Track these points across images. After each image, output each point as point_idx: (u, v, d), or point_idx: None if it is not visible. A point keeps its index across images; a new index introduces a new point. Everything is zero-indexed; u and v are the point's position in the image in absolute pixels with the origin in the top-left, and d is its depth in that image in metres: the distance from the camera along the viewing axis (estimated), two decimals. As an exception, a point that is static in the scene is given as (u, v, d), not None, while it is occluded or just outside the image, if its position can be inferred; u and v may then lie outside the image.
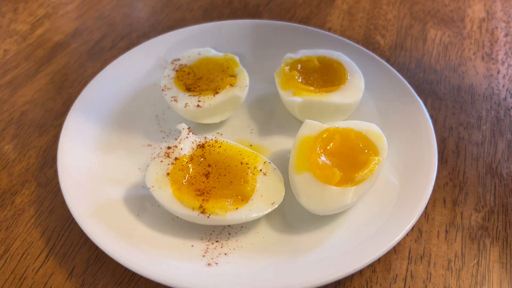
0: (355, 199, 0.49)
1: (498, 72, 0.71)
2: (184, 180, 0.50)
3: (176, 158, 0.52)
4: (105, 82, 0.63)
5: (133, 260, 0.45)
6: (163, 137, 0.61)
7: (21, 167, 0.59)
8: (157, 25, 0.79)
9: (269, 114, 0.64)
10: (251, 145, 0.59)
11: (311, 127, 0.53)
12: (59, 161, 0.53)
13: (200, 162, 0.52)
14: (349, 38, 0.75)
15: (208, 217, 0.48)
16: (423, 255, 0.51)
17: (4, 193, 0.56)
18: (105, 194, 0.52)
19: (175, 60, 0.64)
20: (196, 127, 0.61)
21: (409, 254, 0.51)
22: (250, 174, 0.51)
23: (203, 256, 0.48)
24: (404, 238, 0.52)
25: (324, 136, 0.52)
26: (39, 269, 0.50)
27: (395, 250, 0.51)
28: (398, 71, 0.69)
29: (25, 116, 0.65)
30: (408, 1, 0.84)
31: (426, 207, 0.54)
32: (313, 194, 0.49)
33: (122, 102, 0.63)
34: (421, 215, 0.52)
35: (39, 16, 0.81)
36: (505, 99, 0.67)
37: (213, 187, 0.50)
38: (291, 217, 0.52)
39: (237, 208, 0.49)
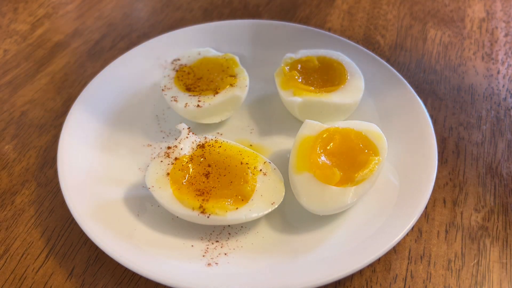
0: (355, 199, 0.49)
1: (498, 72, 0.71)
2: (184, 180, 0.50)
3: (176, 158, 0.52)
4: (105, 82, 0.63)
5: (133, 260, 0.45)
6: (163, 137, 0.61)
7: (21, 167, 0.59)
8: (157, 25, 0.79)
9: (269, 114, 0.64)
10: (251, 145, 0.59)
11: (311, 127, 0.53)
12: (59, 161, 0.53)
13: (200, 162, 0.52)
14: (349, 38, 0.75)
15: (208, 217, 0.48)
16: (423, 255, 0.51)
17: (4, 193, 0.56)
18: (105, 194, 0.52)
19: (175, 60, 0.63)
20: (196, 127, 0.61)
21: (409, 254, 0.51)
22: (250, 174, 0.51)
23: (203, 256, 0.48)
24: (404, 238, 0.52)
25: (324, 136, 0.52)
26: (39, 269, 0.50)
27: (395, 250, 0.51)
28: (398, 71, 0.69)
29: (25, 116, 0.65)
30: (408, 1, 0.84)
31: (426, 207, 0.54)
32: (313, 194, 0.49)
33: (122, 102, 0.63)
34: (421, 215, 0.52)
35: (39, 16, 0.81)
36: (505, 99, 0.67)
37: (213, 187, 0.50)
38: (291, 217, 0.52)
39: (237, 208, 0.49)
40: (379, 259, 0.50)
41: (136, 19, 0.81)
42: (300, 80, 0.60)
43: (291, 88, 0.59)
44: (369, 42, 0.76)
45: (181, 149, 0.53)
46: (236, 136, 0.60)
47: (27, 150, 0.61)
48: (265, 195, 0.50)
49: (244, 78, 0.61)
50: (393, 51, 0.74)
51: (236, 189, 0.50)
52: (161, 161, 0.52)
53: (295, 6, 0.83)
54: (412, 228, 0.51)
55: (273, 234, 0.51)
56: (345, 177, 0.49)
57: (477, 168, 0.59)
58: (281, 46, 0.68)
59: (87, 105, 0.60)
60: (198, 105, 0.58)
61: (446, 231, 0.53)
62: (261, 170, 0.52)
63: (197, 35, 0.70)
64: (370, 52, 0.66)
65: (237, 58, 0.63)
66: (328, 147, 0.52)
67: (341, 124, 0.54)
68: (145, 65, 0.67)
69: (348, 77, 0.60)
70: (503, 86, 0.69)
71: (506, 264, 0.50)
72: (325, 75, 0.61)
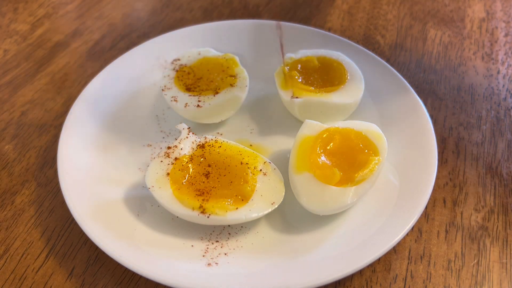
0: (355, 199, 0.49)
1: (498, 72, 0.71)
2: (184, 180, 0.50)
3: (176, 158, 0.52)
4: (105, 82, 0.63)
5: (133, 260, 0.45)
6: (163, 137, 0.61)
7: (21, 167, 0.59)
8: (157, 25, 0.79)
9: (269, 114, 0.64)
10: (251, 145, 0.59)
11: (311, 127, 0.53)
12: (59, 161, 0.53)
13: (200, 162, 0.52)
14: (349, 38, 0.75)
15: (208, 217, 0.48)
16: (423, 255, 0.51)
17: (4, 193, 0.56)
18: (105, 194, 0.52)
19: (175, 60, 0.63)
20: (196, 127, 0.61)
21: (409, 254, 0.51)
22: (250, 174, 0.51)
23: (203, 256, 0.48)
24: (404, 238, 0.52)
25: (324, 136, 0.52)
26: (39, 269, 0.50)
27: (395, 250, 0.51)
28: (398, 71, 0.69)
29: (25, 116, 0.65)
30: (408, 1, 0.84)
31: (426, 207, 0.54)
32: (313, 194, 0.49)
33: (122, 102, 0.63)
34: (421, 215, 0.52)
35: (39, 16, 0.81)
36: (505, 99, 0.67)
37: (213, 187, 0.50)
38: (291, 217, 0.52)
39: (237, 208, 0.49)
40: (379, 259, 0.50)
41: (136, 19, 0.81)
42: (300, 80, 0.60)
43: (291, 88, 0.59)
44: (369, 42, 0.76)
45: (181, 149, 0.53)
46: (236, 136, 0.60)
47: (27, 150, 0.61)
48: (265, 195, 0.50)
49: (244, 78, 0.61)
50: (393, 51, 0.74)
51: (236, 189, 0.50)
52: (161, 161, 0.52)
53: (295, 6, 0.83)
54: (412, 228, 0.51)
55: (273, 234, 0.51)
56: (345, 177, 0.49)
57: (477, 168, 0.59)
58: (284, 46, 0.68)
59: (87, 105, 0.60)
60: (198, 105, 0.58)
61: (446, 231, 0.53)
62: (261, 170, 0.52)
63: (197, 35, 0.70)
64: (370, 52, 0.66)
65: (237, 58, 0.63)
66: (328, 147, 0.52)
67: (341, 124, 0.54)
68: (145, 65, 0.67)
69: (348, 77, 0.60)
70: (503, 86, 0.69)
71: (506, 264, 0.50)
72: (325, 75, 0.61)
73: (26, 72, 0.71)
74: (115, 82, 0.64)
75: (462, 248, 0.51)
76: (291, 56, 0.63)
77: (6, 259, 0.50)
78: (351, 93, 0.59)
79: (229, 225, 0.51)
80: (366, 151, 0.51)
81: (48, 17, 0.81)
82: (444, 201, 0.55)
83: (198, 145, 0.53)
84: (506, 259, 0.51)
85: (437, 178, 0.57)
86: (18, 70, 0.71)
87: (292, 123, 0.61)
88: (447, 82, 0.69)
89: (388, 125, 0.58)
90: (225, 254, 0.49)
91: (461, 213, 0.54)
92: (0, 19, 0.80)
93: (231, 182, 0.50)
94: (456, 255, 0.51)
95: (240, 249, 0.49)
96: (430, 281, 0.49)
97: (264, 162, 0.53)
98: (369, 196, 0.52)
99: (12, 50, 0.74)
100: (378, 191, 0.53)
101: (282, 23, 0.70)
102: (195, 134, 0.54)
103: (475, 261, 0.50)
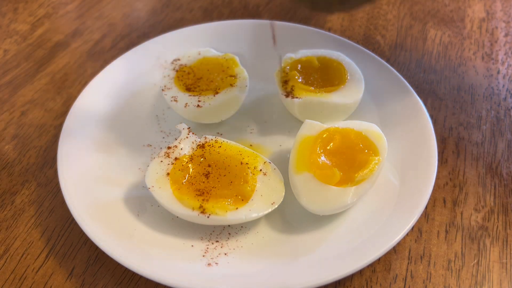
0: (355, 199, 0.49)
1: (498, 72, 0.71)
2: (184, 180, 0.50)
3: (176, 158, 0.52)
4: (105, 82, 0.63)
5: (133, 260, 0.45)
6: (163, 137, 0.61)
7: (21, 167, 0.59)
8: (157, 25, 0.79)
9: (269, 114, 0.64)
10: (251, 145, 0.59)
11: (311, 127, 0.53)
12: (59, 161, 0.53)
13: (200, 162, 0.52)
14: (349, 38, 0.75)
15: (208, 217, 0.48)
16: (423, 255, 0.51)
17: (4, 193, 0.56)
18: (105, 194, 0.52)
19: (175, 60, 0.63)
20: (196, 127, 0.61)
21: (409, 254, 0.51)
22: (250, 174, 0.51)
23: (203, 256, 0.48)
24: (404, 238, 0.52)
25: (324, 136, 0.52)
26: (39, 269, 0.50)
27: (395, 250, 0.51)
28: (398, 71, 0.68)
29: (25, 116, 0.65)
30: (408, 1, 0.84)
31: (426, 207, 0.54)
32: (313, 194, 0.49)
33: (122, 102, 0.63)
34: (421, 215, 0.52)
35: (39, 16, 0.81)
36: (505, 99, 0.67)
37: (213, 187, 0.50)
38: (291, 217, 0.52)
39: (237, 208, 0.49)
40: (379, 259, 0.50)
41: (136, 19, 0.81)
42: (300, 80, 0.60)
43: (286, 87, 0.59)
44: (369, 42, 0.76)
45: (181, 149, 0.53)
46: (236, 136, 0.60)
47: (27, 150, 0.61)
48: (265, 195, 0.50)
49: (244, 78, 0.61)
50: (393, 51, 0.74)
51: (236, 189, 0.50)
52: (161, 161, 0.52)
53: (295, 6, 0.83)
54: (412, 228, 0.51)
55: (273, 234, 0.51)
56: (345, 177, 0.49)
57: (477, 168, 0.59)
58: (281, 46, 0.68)
59: (87, 105, 0.60)
60: (198, 105, 0.58)
61: (446, 231, 0.53)
62: (261, 170, 0.52)
63: (197, 35, 0.70)
64: (370, 52, 0.66)
65: (237, 58, 0.63)
66: (328, 147, 0.52)
67: (341, 124, 0.54)
68: (145, 65, 0.67)
69: (348, 77, 0.60)
70: (503, 86, 0.69)
71: (506, 264, 0.50)
72: (325, 75, 0.61)
73: (26, 72, 0.71)
74: (115, 82, 0.64)
75: (462, 248, 0.51)
76: (291, 56, 0.63)
77: (6, 259, 0.50)
78: (351, 93, 0.59)
79: (229, 225, 0.51)
80: (366, 151, 0.51)
81: (48, 17, 0.81)
82: (444, 201, 0.55)
83: (198, 145, 0.53)
84: (506, 259, 0.51)
85: (437, 178, 0.57)
86: (18, 70, 0.71)
87: (292, 123, 0.61)
88: (447, 82, 0.69)
89: (388, 125, 0.58)
90: (225, 254, 0.49)
91: (461, 213, 0.54)
92: (0, 19, 0.80)
93: (231, 182, 0.50)
94: (456, 255, 0.51)
95: (240, 249, 0.49)
96: (430, 281, 0.49)
97: (264, 162, 0.53)
98: (369, 196, 0.52)
99: (12, 50, 0.74)
100: (378, 191, 0.53)
101: (282, 23, 0.70)
102: (195, 134, 0.54)
103: (475, 261, 0.50)
